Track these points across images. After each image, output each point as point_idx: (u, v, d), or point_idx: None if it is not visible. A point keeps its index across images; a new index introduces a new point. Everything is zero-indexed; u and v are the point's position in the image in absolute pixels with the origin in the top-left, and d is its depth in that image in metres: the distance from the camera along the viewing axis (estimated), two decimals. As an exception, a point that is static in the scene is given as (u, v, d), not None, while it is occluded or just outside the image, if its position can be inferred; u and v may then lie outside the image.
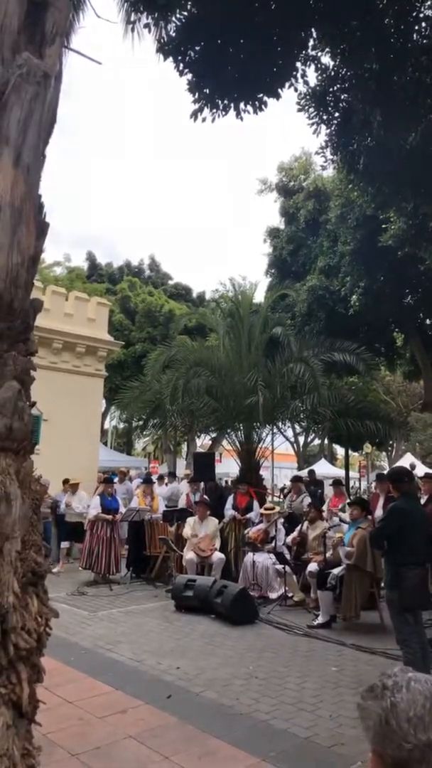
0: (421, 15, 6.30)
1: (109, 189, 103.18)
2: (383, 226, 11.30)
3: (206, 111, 6.47)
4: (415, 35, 6.31)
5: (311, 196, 16.57)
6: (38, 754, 1.91)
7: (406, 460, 21.59)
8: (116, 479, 12.68)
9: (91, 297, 16.52)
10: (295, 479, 11.13)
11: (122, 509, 10.09)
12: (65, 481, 11.92)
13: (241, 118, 6.59)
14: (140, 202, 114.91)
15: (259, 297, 16.65)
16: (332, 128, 7.16)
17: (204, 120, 6.58)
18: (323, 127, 7.20)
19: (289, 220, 17.67)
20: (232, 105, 6.37)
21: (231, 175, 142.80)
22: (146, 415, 13.77)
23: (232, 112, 6.53)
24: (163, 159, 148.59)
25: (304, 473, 20.95)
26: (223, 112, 6.46)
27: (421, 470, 16.42)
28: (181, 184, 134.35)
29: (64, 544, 10.81)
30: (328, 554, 7.57)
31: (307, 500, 10.14)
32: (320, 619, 7.04)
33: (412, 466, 17.14)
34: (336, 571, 7.12)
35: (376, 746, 1.01)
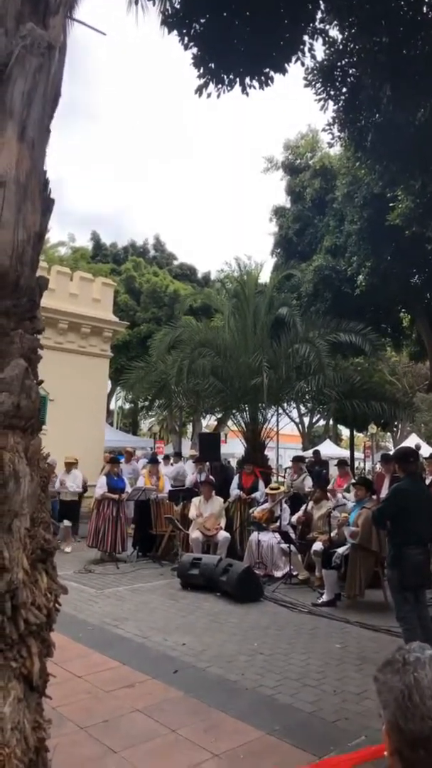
0: (433, -14, 6.14)
1: (114, 167, 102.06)
2: (391, 204, 11.14)
3: (211, 86, 6.35)
4: (425, 8, 6.15)
5: (318, 175, 16.34)
6: (48, 727, 1.94)
7: (411, 441, 21.61)
8: (122, 459, 12.75)
9: (96, 277, 16.45)
10: (296, 459, 11.17)
11: (128, 489, 10.15)
12: (67, 461, 11.99)
13: (247, 94, 6.46)
14: (145, 182, 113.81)
15: (265, 277, 16.53)
16: (340, 104, 7.03)
17: (209, 95, 6.47)
18: (330, 103, 7.07)
19: (295, 199, 17.47)
20: (237, 80, 6.24)
21: (238, 153, 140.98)
22: (152, 395, 13.80)
23: (237, 88, 6.40)
24: (168, 138, 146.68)
25: (309, 453, 21.05)
26: (229, 87, 6.34)
27: (426, 451, 16.44)
28: (186, 164, 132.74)
29: (66, 523, 10.90)
30: (332, 533, 7.61)
31: (308, 480, 10.19)
32: (325, 598, 7.10)
33: (417, 447, 17.11)
34: (341, 550, 7.17)
35: (395, 720, 1.01)
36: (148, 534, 10.02)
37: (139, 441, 27.18)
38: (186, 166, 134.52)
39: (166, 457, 15.88)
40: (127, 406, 41.70)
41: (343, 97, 7.02)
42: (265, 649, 5.38)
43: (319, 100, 7.07)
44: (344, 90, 6.96)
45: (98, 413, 14.87)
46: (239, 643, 5.53)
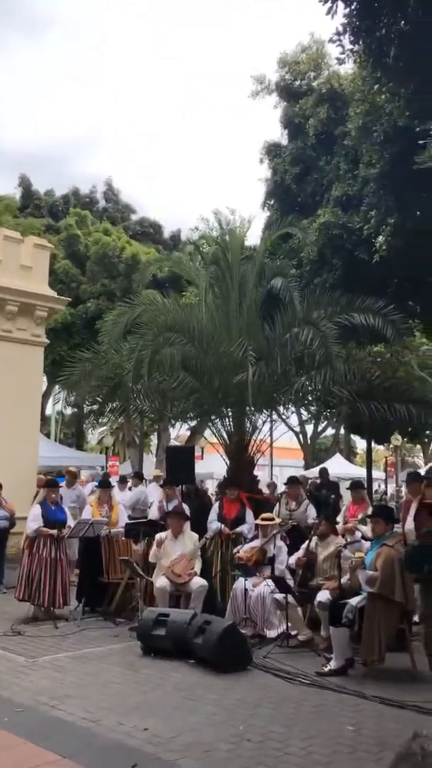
0: None
1: (57, 93, 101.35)
2: (420, 141, 11.23)
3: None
4: None
5: (324, 101, 16.38)
6: None
7: (448, 456, 21.88)
8: (63, 482, 12.71)
9: (26, 236, 16.32)
10: (291, 481, 11.07)
11: (71, 522, 10.12)
12: (-7, 485, 11.94)
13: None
14: (97, 112, 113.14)
15: (254, 238, 16.57)
16: (353, 6, 7.06)
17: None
18: (341, 4, 7.10)
19: (294, 133, 17.49)
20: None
21: (219, 72, 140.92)
22: (102, 396, 13.74)
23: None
24: (129, 53, 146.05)
25: (313, 472, 21.22)
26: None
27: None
28: (151, 88, 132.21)
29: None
30: (343, 580, 7.67)
31: (311, 510, 10.24)
32: (333, 664, 7.14)
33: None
34: (354, 601, 7.22)
35: None
36: (97, 582, 10.00)
37: (86, 458, 27.10)
38: (150, 91, 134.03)
39: (122, 480, 15.89)
40: (68, 410, 41.62)
41: (357, -2, 7.06)
42: (254, 734, 5.41)
43: (326, 0, 7.09)
44: (359, -13, 6.99)
45: (29, 420, 14.78)
46: (220, 727, 5.54)
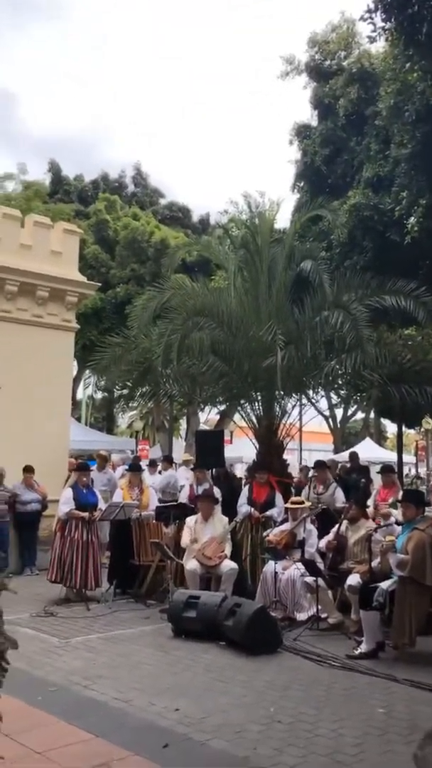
0: None
1: (83, 78, 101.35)
2: (453, 120, 11.06)
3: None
4: None
5: (354, 80, 16.12)
6: None
7: None
8: (94, 466, 12.81)
9: (56, 222, 16.36)
10: (318, 465, 11.10)
11: (102, 505, 10.21)
12: (26, 469, 12.09)
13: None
14: (123, 96, 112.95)
15: (284, 221, 16.43)
16: (384, -17, 6.95)
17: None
18: (372, -19, 6.99)
19: (324, 114, 17.26)
20: None
21: (247, 54, 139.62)
22: (132, 381, 13.81)
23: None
24: (154, 38, 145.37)
25: (343, 457, 21.15)
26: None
27: None
28: (177, 71, 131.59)
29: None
30: (374, 563, 7.65)
31: (339, 493, 10.23)
32: (363, 647, 7.15)
33: None
34: (385, 585, 7.21)
35: None
36: (128, 565, 10.09)
37: (117, 442, 27.27)
38: (177, 75, 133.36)
39: (152, 463, 15.99)
40: (99, 395, 41.89)
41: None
42: (284, 716, 5.44)
43: (357, -22, 6.98)
44: (390, -36, 6.86)
45: (60, 405, 14.87)
46: (250, 709, 5.58)
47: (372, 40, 8.53)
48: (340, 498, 10.19)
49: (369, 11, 7.40)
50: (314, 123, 17.84)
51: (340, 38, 17.14)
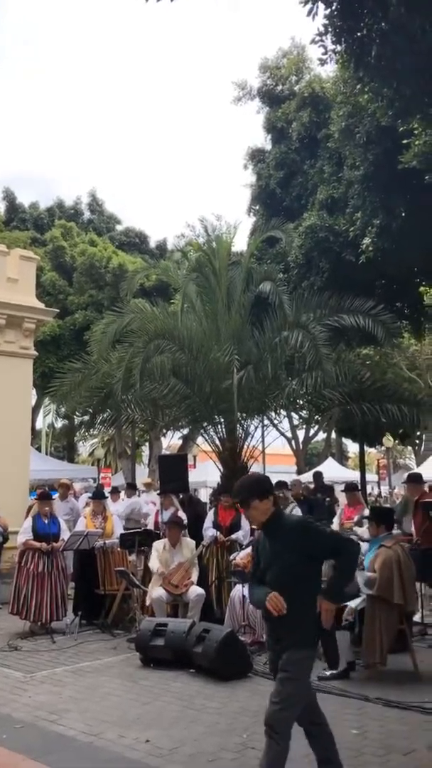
0: None
1: (37, 111, 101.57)
2: (404, 141, 11.25)
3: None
4: None
5: (306, 104, 16.44)
6: None
7: (440, 456, 21.92)
8: (56, 495, 12.62)
9: (11, 249, 16.24)
10: (279, 485, 11.18)
11: (65, 534, 10.03)
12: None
13: (210, -5, 6.44)
14: (77, 127, 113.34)
15: (241, 244, 16.60)
16: (334, 7, 7.04)
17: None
18: (321, 5, 7.07)
19: (277, 138, 17.54)
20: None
21: (201, 81, 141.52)
22: (93, 407, 13.70)
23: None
24: (107, 66, 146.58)
25: (307, 477, 21.18)
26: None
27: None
28: (132, 100, 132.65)
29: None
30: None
31: (297, 512, 10.25)
32: (334, 668, 7.09)
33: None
34: (353, 604, 7.18)
35: None
36: (93, 595, 9.93)
37: (78, 470, 27.03)
38: (131, 102, 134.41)
39: (114, 490, 15.80)
40: (59, 423, 41.45)
41: (337, -2, 7.04)
42: (258, 742, 5.32)
43: (306, 1, 7.08)
44: (339, -12, 6.98)
45: (20, 434, 14.66)
46: (223, 736, 5.49)
47: (323, 62, 8.64)
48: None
49: (320, 34, 7.49)
50: (268, 147, 18.12)
51: (291, 63, 17.49)
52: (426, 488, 11.14)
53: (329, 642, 3.93)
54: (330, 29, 7.27)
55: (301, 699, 4.18)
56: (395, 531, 9.13)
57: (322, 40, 7.46)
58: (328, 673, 7.07)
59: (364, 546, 7.90)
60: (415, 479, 10.85)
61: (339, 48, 7.54)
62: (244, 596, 8.50)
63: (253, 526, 9.33)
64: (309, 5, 7.05)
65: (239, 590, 8.61)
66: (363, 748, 5.21)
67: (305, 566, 4.13)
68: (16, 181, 76.28)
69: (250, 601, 4.83)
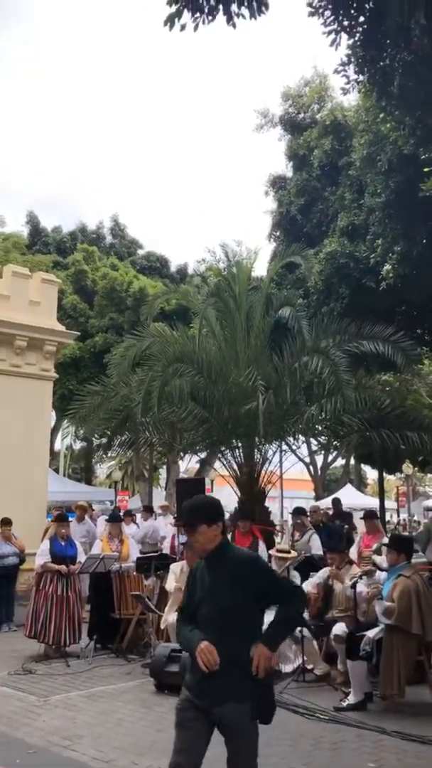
0: None
1: (59, 133, 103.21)
2: (426, 170, 11.28)
3: (186, 15, 6.39)
4: None
5: (328, 132, 16.56)
6: None
7: (461, 485, 21.66)
8: (73, 517, 12.62)
9: (34, 273, 16.43)
10: (297, 512, 11.29)
11: (81, 557, 10.02)
12: (3, 521, 11.90)
13: (234, 25, 6.51)
14: (100, 151, 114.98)
15: (261, 269, 16.66)
16: (356, 37, 7.12)
17: (183, 28, 6.51)
18: (344, 36, 7.14)
19: (298, 165, 17.67)
20: (221, 6, 6.31)
21: (223, 108, 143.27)
22: (111, 430, 13.72)
23: (221, 17, 6.47)
24: (130, 91, 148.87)
25: (325, 503, 21.04)
26: (209, 17, 6.39)
27: None
28: (155, 125, 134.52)
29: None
30: (359, 612, 7.55)
31: (315, 540, 10.21)
32: (351, 699, 7.02)
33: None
34: (371, 633, 7.11)
35: None
36: (108, 619, 9.89)
37: (96, 492, 27.03)
38: (154, 129, 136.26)
39: (128, 513, 15.76)
40: (77, 445, 41.56)
41: (360, 28, 7.11)
42: (270, 766, 5.28)
43: (329, 32, 7.16)
44: (362, 18, 7.06)
45: (39, 456, 14.73)
46: (237, 766, 5.42)
47: (345, 92, 8.76)
48: (315, 545, 10.18)
49: (342, 64, 7.59)
50: (289, 174, 18.25)
51: (313, 92, 17.65)
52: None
53: (264, 692, 3.46)
54: (353, 59, 7.36)
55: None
56: (419, 559, 9.04)
57: (345, 70, 7.56)
58: (344, 703, 6.99)
59: (382, 575, 7.84)
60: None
61: (362, 78, 7.63)
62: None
63: (272, 553, 9.31)
64: (332, 36, 7.13)
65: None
66: (380, 782, 5.12)
67: (247, 607, 3.69)
68: (33, 198, 77.24)
69: (177, 641, 4.11)
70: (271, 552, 9.46)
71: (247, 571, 3.74)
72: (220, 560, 3.80)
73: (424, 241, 12.97)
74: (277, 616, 3.77)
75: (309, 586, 8.61)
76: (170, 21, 6.32)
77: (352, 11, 6.94)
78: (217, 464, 17.19)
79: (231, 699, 3.59)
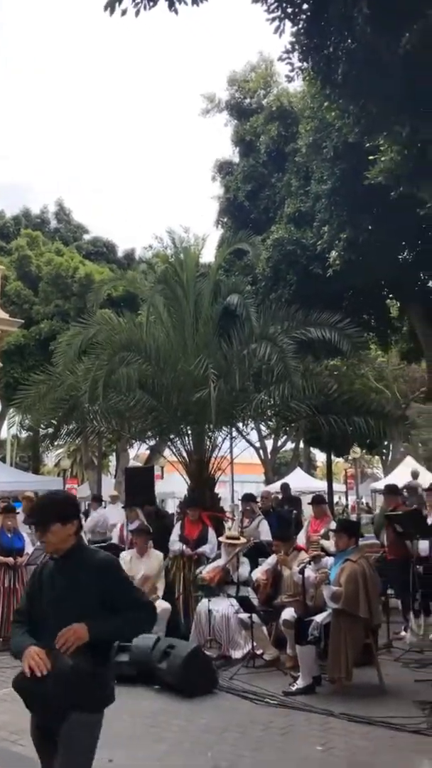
0: None
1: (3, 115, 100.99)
2: (371, 157, 11.37)
3: (127, 0, 6.32)
4: None
5: (274, 118, 16.59)
6: None
7: (407, 466, 22.10)
8: (20, 507, 12.47)
9: (-23, 258, 16.13)
10: (247, 498, 11.35)
11: (29, 549, 9.91)
12: None
13: (176, 11, 6.45)
14: (45, 137, 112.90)
15: (209, 256, 16.62)
16: (300, 25, 7.13)
17: (124, 13, 6.42)
18: (288, 23, 7.15)
19: (245, 151, 17.69)
20: (162, -10, 6.25)
21: (169, 93, 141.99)
22: (58, 418, 13.54)
23: (162, 3, 6.40)
24: (73, 76, 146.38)
25: (275, 487, 21.24)
26: (150, 2, 6.32)
27: (426, 479, 16.83)
28: (100, 110, 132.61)
29: None
30: (307, 597, 7.63)
31: (264, 526, 10.30)
32: (300, 683, 7.08)
33: (415, 474, 17.57)
34: (319, 618, 7.18)
35: None
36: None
37: (43, 482, 26.63)
38: (100, 113, 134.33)
39: (79, 503, 15.67)
40: (24, 434, 40.99)
41: (304, 16, 7.12)
42: (223, 759, 5.32)
43: (273, 19, 7.14)
44: (305, 6, 7.06)
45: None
46: (187, 755, 5.45)
47: (290, 79, 8.76)
48: (264, 531, 10.24)
49: (287, 51, 7.58)
50: (236, 159, 18.26)
51: (259, 77, 17.65)
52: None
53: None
54: (297, 47, 7.35)
55: None
56: (366, 541, 9.17)
57: (289, 58, 7.55)
58: (294, 688, 7.07)
59: (329, 560, 7.93)
60: (391, 491, 10.97)
61: (306, 65, 7.62)
62: (210, 611, 8.48)
63: (222, 540, 9.35)
64: (276, 23, 7.12)
65: (205, 605, 8.59)
66: (327, 764, 5.20)
67: (95, 614, 3.42)
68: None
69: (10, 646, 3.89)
70: (220, 539, 9.50)
71: (100, 573, 3.51)
72: (72, 563, 3.55)
73: (370, 227, 13.14)
74: (119, 615, 3.49)
75: (258, 572, 8.69)
76: (111, 6, 6.22)
77: (296, -2, 6.94)
78: (166, 452, 17.16)
79: (77, 708, 3.47)
